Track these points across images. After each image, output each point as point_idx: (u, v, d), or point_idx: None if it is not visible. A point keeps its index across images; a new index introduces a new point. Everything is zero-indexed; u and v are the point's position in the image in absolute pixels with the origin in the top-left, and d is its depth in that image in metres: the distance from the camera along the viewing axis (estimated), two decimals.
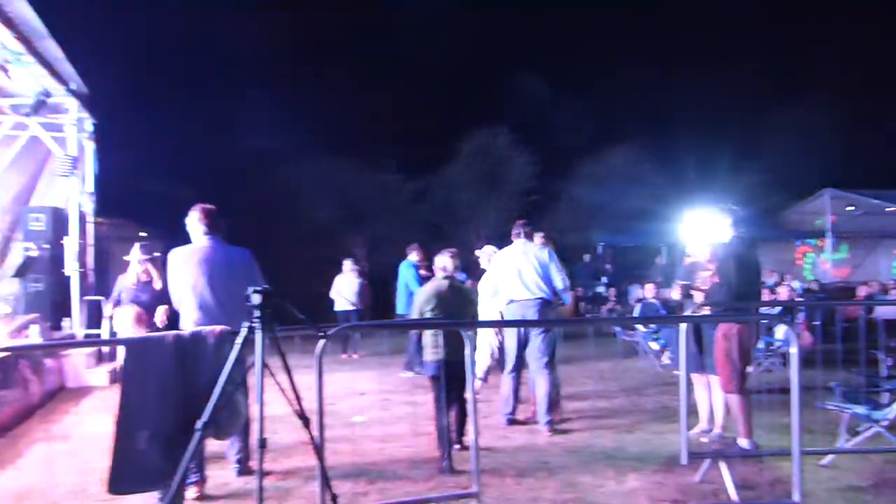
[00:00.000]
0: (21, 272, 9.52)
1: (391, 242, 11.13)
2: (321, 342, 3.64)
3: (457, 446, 5.41)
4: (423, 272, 9.16)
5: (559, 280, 6.40)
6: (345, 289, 11.64)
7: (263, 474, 3.16)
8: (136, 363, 3.42)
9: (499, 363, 7.01)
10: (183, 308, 4.62)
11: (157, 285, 6.65)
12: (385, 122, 20.88)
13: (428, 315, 5.41)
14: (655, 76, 23.44)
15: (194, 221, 4.72)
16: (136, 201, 13.82)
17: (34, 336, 7.74)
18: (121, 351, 6.69)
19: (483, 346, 7.42)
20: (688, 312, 5.97)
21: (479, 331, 7.23)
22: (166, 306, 6.54)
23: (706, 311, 5.52)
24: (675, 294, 6.38)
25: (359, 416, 6.88)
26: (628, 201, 19.88)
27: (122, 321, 6.29)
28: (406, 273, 9.75)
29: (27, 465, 5.26)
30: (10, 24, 7.09)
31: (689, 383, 5.04)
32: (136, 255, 6.71)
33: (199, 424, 3.17)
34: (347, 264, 11.78)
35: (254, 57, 21.40)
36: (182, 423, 3.30)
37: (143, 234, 12.99)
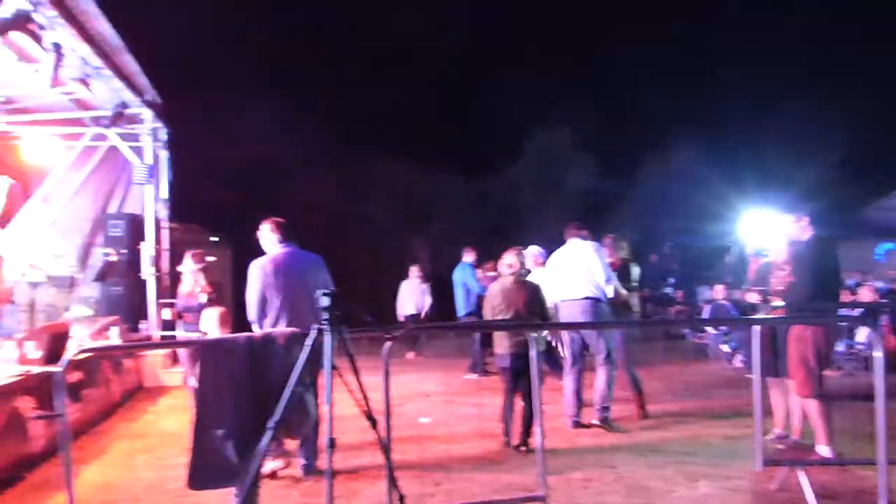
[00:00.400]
0: (101, 276, 10.01)
1: (455, 244, 11.26)
2: (387, 344, 3.68)
3: (523, 448, 5.43)
4: (490, 273, 9.22)
5: (602, 276, 6.34)
6: (409, 293, 11.78)
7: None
8: (211, 364, 3.53)
9: (553, 366, 7.03)
10: (270, 315, 4.82)
11: (206, 291, 6.83)
12: (448, 122, 20.95)
13: (498, 312, 5.64)
14: (715, 68, 22.62)
15: (267, 233, 4.97)
16: (206, 207, 14.26)
17: (114, 337, 8.10)
18: (182, 354, 6.92)
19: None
20: (761, 314, 5.79)
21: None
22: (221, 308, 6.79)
23: (780, 312, 5.33)
24: (751, 298, 6.18)
25: (424, 418, 6.93)
26: (694, 200, 19.35)
27: (208, 321, 6.50)
28: (462, 274, 9.96)
29: (110, 461, 5.50)
30: (92, 40, 7.45)
31: (763, 387, 4.88)
32: (188, 265, 6.92)
33: (270, 424, 3.26)
34: (413, 270, 11.93)
35: (316, 60, 21.77)
36: (255, 423, 3.40)
37: (214, 238, 13.46)
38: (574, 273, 6.37)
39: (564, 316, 6.40)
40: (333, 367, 3.22)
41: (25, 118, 9.51)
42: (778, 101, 21.43)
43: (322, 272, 4.98)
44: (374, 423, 3.40)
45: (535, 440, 4.55)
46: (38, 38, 6.61)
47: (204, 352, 3.60)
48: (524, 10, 24.65)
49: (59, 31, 6.82)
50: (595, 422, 6.18)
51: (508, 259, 5.88)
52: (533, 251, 7.41)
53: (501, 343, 5.63)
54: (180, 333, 7.39)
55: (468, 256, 10.20)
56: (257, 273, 4.86)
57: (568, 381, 6.37)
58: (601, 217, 18.45)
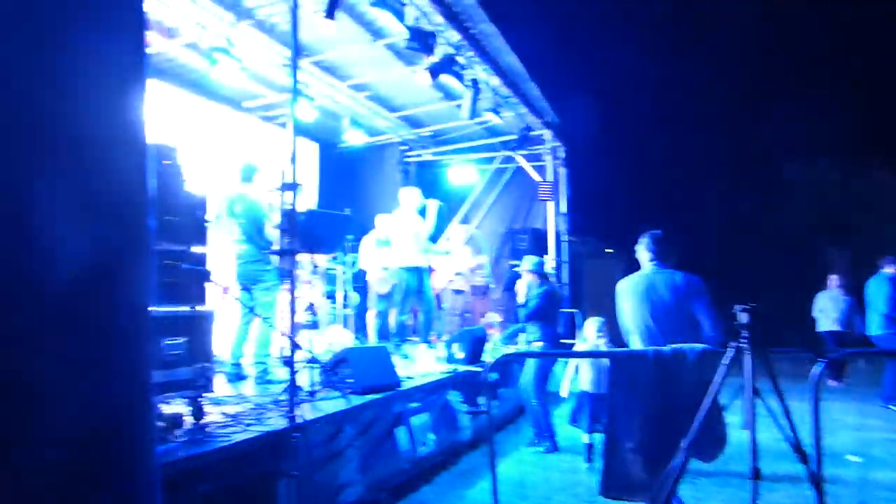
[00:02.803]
0: (510, 286, 10.99)
1: (881, 253, 9.48)
2: (816, 367, 3.23)
3: None
4: None
5: None
6: (829, 307, 10.36)
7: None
8: (620, 375, 3.54)
9: None
10: (629, 338, 4.56)
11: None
12: (872, 113, 17.95)
13: None
14: None
15: (642, 249, 4.64)
16: (602, 220, 14.65)
17: (521, 343, 8.78)
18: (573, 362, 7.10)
19: None
20: None
21: None
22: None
23: None
24: None
25: (853, 455, 5.96)
26: None
27: (587, 330, 6.68)
28: (882, 288, 8.43)
29: (523, 457, 5.93)
30: (502, 73, 8.26)
31: None
32: (523, 280, 7.06)
33: (684, 443, 3.11)
34: (833, 280, 10.49)
35: (705, 68, 20.84)
36: (663, 440, 3.29)
37: (608, 250, 13.76)
38: None
39: None
40: (755, 391, 2.94)
41: (450, 148, 11.04)
42: None
43: (697, 296, 4.37)
44: (803, 456, 3.00)
45: None
46: (459, 77, 7.56)
47: (614, 364, 3.63)
48: None
49: (476, 69, 7.71)
50: None
51: None
52: None
53: None
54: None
55: (889, 268, 8.76)
56: (617, 294, 4.62)
57: None
58: None
